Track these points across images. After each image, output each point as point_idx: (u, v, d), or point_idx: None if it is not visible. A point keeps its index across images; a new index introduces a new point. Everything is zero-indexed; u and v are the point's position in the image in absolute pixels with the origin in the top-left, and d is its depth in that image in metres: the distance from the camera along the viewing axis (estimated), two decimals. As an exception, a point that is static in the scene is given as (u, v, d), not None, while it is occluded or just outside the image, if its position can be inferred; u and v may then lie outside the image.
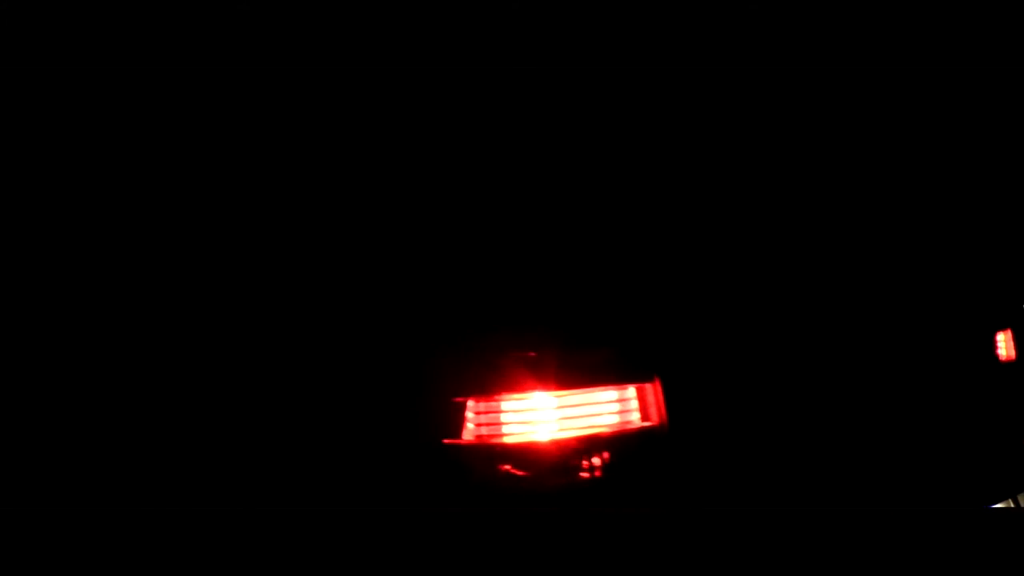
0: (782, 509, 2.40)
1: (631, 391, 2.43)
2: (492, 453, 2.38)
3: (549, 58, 2.79)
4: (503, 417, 2.38)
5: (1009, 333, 2.87)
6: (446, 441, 2.39)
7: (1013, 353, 2.88)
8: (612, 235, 2.59)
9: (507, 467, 2.38)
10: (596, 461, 2.40)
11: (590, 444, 2.40)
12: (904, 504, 2.40)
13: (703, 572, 2.34)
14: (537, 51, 2.82)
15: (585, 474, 2.40)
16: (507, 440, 2.38)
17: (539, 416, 2.40)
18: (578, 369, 2.41)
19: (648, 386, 2.44)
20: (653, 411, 2.44)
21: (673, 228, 2.60)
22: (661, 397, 2.43)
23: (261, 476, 2.40)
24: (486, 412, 2.39)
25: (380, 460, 2.40)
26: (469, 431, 2.39)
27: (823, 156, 2.74)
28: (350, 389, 2.43)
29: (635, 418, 2.43)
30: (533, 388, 2.40)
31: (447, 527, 2.35)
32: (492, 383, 2.39)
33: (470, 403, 2.39)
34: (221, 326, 2.49)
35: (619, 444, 2.41)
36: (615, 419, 2.43)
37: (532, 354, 2.40)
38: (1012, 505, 2.67)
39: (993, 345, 2.83)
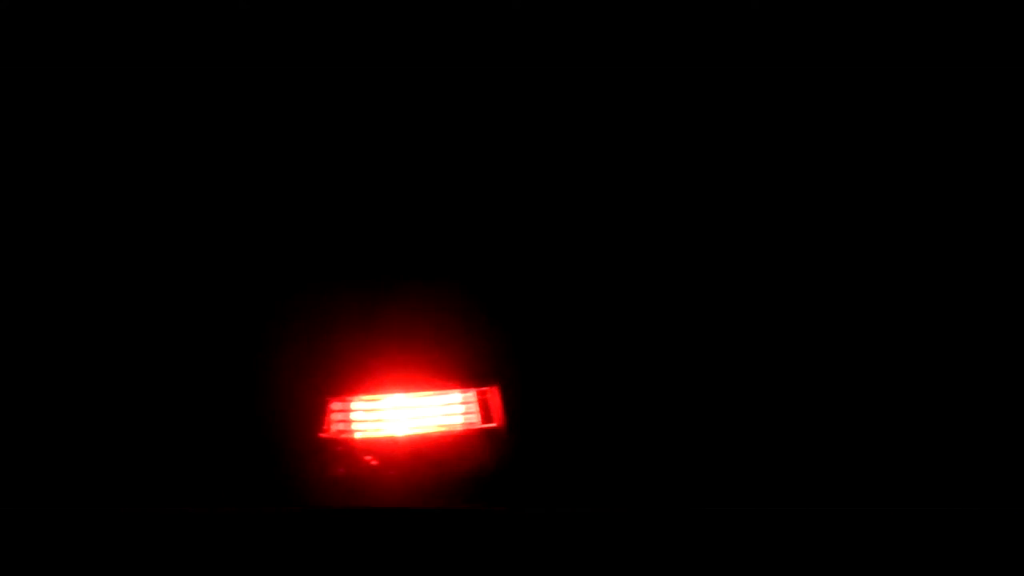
0: (613, 511, 2.62)
1: (472, 395, 2.72)
2: (348, 447, 2.71)
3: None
4: (353, 415, 2.71)
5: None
6: (320, 435, 2.74)
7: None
8: (462, 249, 2.83)
9: (365, 459, 2.71)
10: (440, 457, 2.70)
11: (435, 442, 2.71)
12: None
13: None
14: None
15: (430, 469, 2.70)
16: (358, 436, 2.71)
17: (390, 415, 2.72)
18: (425, 374, 2.72)
19: (488, 391, 2.72)
20: (493, 414, 2.72)
21: (520, 243, 2.82)
22: (499, 401, 2.71)
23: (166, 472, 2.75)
24: (342, 411, 2.72)
25: (267, 452, 2.74)
26: (332, 427, 2.72)
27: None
28: (240, 389, 2.77)
29: (476, 420, 2.72)
30: (386, 390, 2.71)
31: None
32: (349, 385, 2.72)
33: (333, 403, 2.73)
34: (111, 327, 2.84)
35: (461, 443, 2.71)
36: (459, 420, 2.73)
37: (385, 359, 2.72)
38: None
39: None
